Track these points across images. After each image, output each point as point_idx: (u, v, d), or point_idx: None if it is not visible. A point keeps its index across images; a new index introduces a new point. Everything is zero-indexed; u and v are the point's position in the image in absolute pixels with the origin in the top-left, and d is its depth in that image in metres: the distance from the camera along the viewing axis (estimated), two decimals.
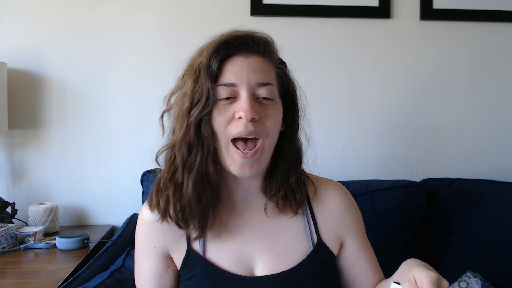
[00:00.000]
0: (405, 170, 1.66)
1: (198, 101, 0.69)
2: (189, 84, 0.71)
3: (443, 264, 1.36)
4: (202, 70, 0.69)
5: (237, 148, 0.69)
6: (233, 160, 0.70)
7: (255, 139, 0.70)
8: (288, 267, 0.75)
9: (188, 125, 0.69)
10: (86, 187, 1.63)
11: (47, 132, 1.62)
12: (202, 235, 0.75)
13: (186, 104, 0.70)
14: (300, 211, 0.78)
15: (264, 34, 0.75)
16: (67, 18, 1.60)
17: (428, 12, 1.65)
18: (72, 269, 1.17)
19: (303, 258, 0.76)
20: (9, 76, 1.54)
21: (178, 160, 0.71)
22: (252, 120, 0.68)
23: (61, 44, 1.60)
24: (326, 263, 0.79)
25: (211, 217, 0.74)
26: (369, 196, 1.35)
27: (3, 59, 1.52)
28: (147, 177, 1.43)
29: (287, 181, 0.76)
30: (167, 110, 0.77)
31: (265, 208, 0.78)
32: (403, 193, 1.37)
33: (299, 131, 0.80)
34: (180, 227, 0.74)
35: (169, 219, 0.74)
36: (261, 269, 0.75)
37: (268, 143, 0.71)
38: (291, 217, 0.78)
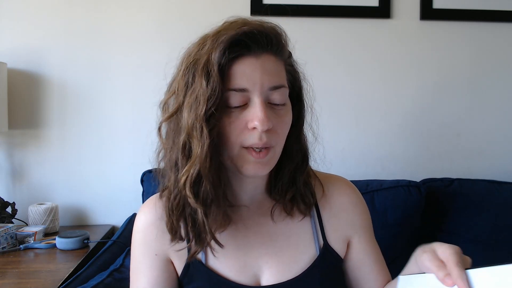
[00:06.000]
0: (405, 170, 1.66)
1: (216, 109, 0.60)
2: (202, 84, 0.60)
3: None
4: (214, 69, 0.60)
5: (250, 150, 0.63)
6: (246, 160, 0.63)
7: (267, 148, 0.64)
8: (295, 275, 0.70)
9: (208, 136, 0.60)
10: (86, 187, 1.63)
11: (47, 132, 1.62)
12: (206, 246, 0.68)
13: (202, 108, 0.59)
14: (303, 213, 0.73)
15: (273, 24, 0.67)
16: (67, 18, 1.60)
17: (428, 12, 1.65)
18: (72, 269, 1.17)
19: (310, 264, 0.71)
20: (9, 76, 1.54)
21: (208, 186, 0.62)
22: (267, 130, 0.61)
23: (61, 44, 1.61)
24: (333, 268, 0.75)
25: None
26: (369, 196, 1.35)
27: (3, 59, 1.52)
28: (147, 177, 1.43)
29: (295, 183, 0.71)
30: (170, 116, 0.65)
31: (272, 212, 0.72)
32: (403, 193, 1.37)
33: (304, 128, 0.73)
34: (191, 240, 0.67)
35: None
36: (268, 278, 0.70)
37: (279, 148, 0.66)
38: (300, 220, 0.73)
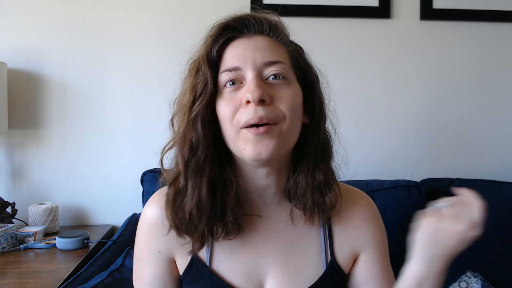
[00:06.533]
0: (405, 170, 1.66)
1: (200, 94, 0.61)
2: (190, 78, 0.64)
3: None
4: (201, 61, 0.62)
5: (249, 127, 0.59)
6: (246, 140, 0.59)
7: (268, 126, 0.59)
8: None
9: (188, 121, 0.62)
10: (86, 187, 1.63)
11: (47, 132, 1.62)
12: (202, 246, 0.67)
13: (188, 98, 0.62)
14: (318, 222, 0.69)
15: (271, 14, 0.66)
16: (67, 18, 1.60)
17: (428, 12, 1.65)
18: (72, 269, 1.17)
19: (315, 279, 0.68)
20: (9, 76, 1.54)
21: (180, 162, 0.63)
22: (262, 103, 0.58)
23: (61, 44, 1.61)
24: (337, 285, 0.71)
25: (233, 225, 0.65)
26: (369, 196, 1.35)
27: (3, 59, 1.52)
28: (147, 177, 1.43)
29: (313, 180, 0.66)
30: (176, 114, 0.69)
31: (291, 214, 0.68)
32: (403, 193, 1.37)
33: (325, 122, 0.70)
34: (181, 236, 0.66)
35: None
36: (271, 287, 0.68)
37: (286, 127, 0.61)
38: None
